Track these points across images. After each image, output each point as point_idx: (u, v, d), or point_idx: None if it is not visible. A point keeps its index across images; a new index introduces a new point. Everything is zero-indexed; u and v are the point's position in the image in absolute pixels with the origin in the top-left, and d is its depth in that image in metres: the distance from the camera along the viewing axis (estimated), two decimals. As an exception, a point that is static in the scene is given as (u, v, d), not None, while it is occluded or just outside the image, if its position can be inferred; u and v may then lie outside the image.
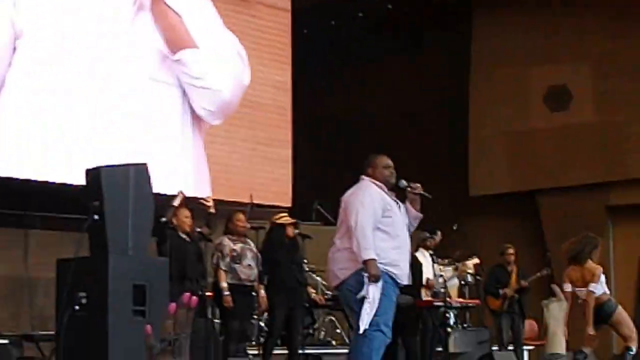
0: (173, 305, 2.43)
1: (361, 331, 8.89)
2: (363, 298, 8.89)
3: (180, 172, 13.91)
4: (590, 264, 12.48)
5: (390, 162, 9.49)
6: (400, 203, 9.46)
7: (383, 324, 9.01)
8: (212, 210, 12.31)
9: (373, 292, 8.89)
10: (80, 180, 10.83)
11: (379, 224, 9.08)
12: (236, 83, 14.19)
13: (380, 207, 9.14)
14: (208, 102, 13.71)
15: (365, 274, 8.89)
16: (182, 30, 13.23)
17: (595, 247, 12.58)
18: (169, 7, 13.05)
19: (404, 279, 9.43)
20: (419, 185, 9.57)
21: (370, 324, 8.88)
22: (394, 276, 9.18)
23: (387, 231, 9.17)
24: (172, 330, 2.44)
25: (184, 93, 13.60)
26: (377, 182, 9.35)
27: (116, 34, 12.98)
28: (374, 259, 8.88)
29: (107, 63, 12.97)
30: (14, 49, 12.43)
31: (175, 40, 13.20)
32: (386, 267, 9.05)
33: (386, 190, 9.35)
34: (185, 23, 13.28)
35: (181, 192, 11.98)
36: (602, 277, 12.63)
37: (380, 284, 8.92)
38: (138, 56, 13.10)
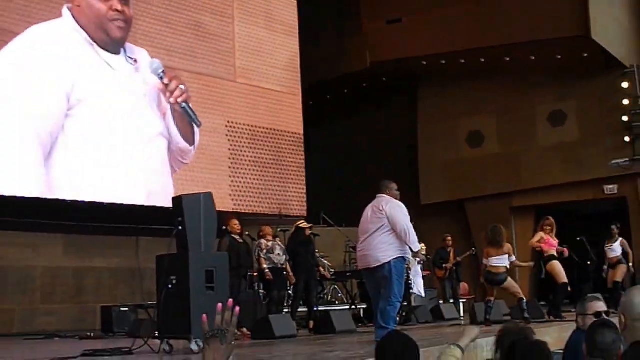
0: (230, 301, 2.51)
1: (424, 295, 9.04)
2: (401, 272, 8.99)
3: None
4: (507, 245, 12.30)
5: (396, 186, 9.40)
6: None
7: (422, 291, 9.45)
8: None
9: (417, 270, 9.03)
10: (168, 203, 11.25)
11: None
12: None
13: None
14: (177, 167, 13.43)
15: (417, 258, 9.28)
16: (191, 130, 12.81)
17: (503, 234, 12.60)
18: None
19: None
20: None
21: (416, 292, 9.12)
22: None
23: None
24: (220, 324, 2.43)
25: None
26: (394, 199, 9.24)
27: (139, 106, 12.62)
28: (420, 250, 9.11)
29: (137, 123, 12.70)
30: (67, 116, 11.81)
31: (188, 136, 12.86)
32: (406, 255, 9.07)
33: None
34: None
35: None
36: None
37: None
38: (150, 119, 12.80)
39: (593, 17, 16.91)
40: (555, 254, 12.82)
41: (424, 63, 19.11)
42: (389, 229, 8.96)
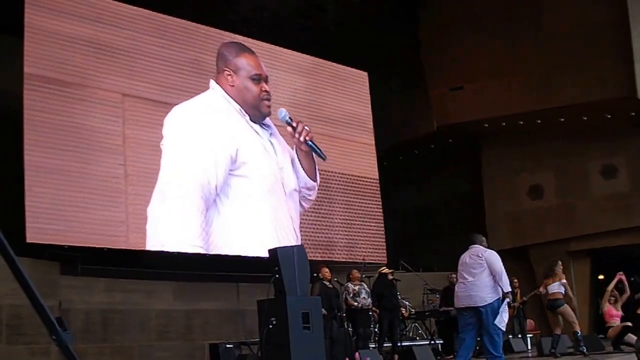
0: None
1: (504, 329, 9.43)
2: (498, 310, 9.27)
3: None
4: (560, 274, 12.72)
5: (484, 238, 9.93)
6: None
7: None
8: None
9: (505, 307, 9.33)
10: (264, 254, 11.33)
11: None
12: None
13: None
14: (306, 205, 13.53)
15: (507, 299, 9.36)
16: (314, 169, 13.02)
17: (558, 266, 12.84)
18: (312, 156, 12.95)
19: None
20: None
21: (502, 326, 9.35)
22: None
23: None
24: None
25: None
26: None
27: (278, 167, 12.66)
28: (510, 291, 9.55)
29: (283, 182, 12.83)
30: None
31: (311, 173, 13.03)
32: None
33: None
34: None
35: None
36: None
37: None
38: (287, 177, 12.98)
39: (639, 78, 16.60)
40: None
41: (486, 125, 18.98)
42: (489, 273, 9.35)
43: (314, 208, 14.43)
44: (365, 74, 17.25)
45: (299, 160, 12.67)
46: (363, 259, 14.70)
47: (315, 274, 11.15)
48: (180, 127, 12.11)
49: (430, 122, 19.23)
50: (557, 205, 19.09)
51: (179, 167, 11.81)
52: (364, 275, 12.89)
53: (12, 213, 10.73)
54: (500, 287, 9.26)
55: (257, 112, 12.49)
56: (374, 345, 12.70)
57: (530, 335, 16.16)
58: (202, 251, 11.85)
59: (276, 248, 9.22)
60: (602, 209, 18.27)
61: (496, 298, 9.23)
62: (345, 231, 15.40)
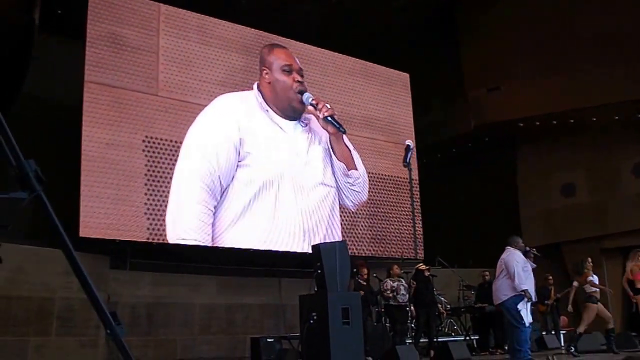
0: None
1: (527, 325, 9.65)
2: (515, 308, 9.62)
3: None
4: (586, 273, 12.71)
5: (520, 240, 10.18)
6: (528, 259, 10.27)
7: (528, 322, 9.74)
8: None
9: (526, 304, 9.63)
10: (307, 249, 11.27)
11: (521, 271, 9.69)
12: (367, 191, 14.16)
13: (521, 264, 9.80)
14: (354, 199, 13.66)
15: (525, 297, 9.63)
16: (351, 158, 13.18)
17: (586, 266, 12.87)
18: (345, 144, 13.06)
19: (534, 297, 10.09)
20: (534, 249, 10.87)
21: (526, 322, 9.61)
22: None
23: (524, 274, 9.76)
24: None
25: (336, 190, 13.53)
26: (518, 251, 9.99)
27: (300, 161, 12.94)
28: (527, 289, 9.62)
29: (299, 177, 12.95)
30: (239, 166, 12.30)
31: (348, 162, 13.17)
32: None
33: (522, 254, 10.06)
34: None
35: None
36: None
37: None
38: (312, 171, 13.07)
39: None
40: None
41: (521, 125, 18.78)
42: (505, 273, 9.79)
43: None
44: (407, 75, 17.18)
45: (332, 148, 12.81)
46: (401, 255, 14.57)
47: (353, 270, 11.00)
48: (199, 123, 12.43)
49: (468, 122, 19.11)
50: (589, 203, 18.77)
51: (189, 158, 12.09)
52: (402, 271, 12.74)
53: (64, 207, 10.77)
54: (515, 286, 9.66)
55: (289, 106, 12.69)
56: (410, 341, 12.56)
57: (564, 331, 15.85)
58: (198, 243, 11.88)
59: (319, 244, 9.13)
60: (634, 207, 17.87)
61: (511, 296, 9.59)
62: (384, 228, 15.26)
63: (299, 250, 12.75)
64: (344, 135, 12.94)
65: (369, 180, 14.83)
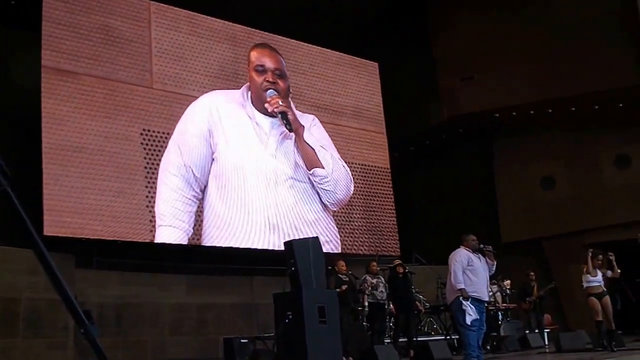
0: None
1: (468, 323, 9.33)
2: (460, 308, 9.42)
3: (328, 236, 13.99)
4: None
5: (474, 237, 9.89)
6: (481, 257, 9.81)
7: (472, 324, 9.38)
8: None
9: (466, 304, 9.33)
10: (276, 244, 11.26)
11: (465, 270, 9.52)
12: (346, 189, 14.10)
13: (465, 261, 9.57)
14: (328, 198, 13.64)
15: (461, 297, 9.41)
16: (314, 157, 13.16)
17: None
18: (307, 144, 13.07)
19: (484, 297, 9.78)
20: (490, 246, 10.03)
21: (468, 323, 9.33)
22: (476, 296, 9.47)
23: (471, 273, 9.53)
24: None
25: (313, 187, 13.55)
26: (467, 248, 9.75)
27: (267, 154, 13.07)
28: (463, 288, 9.40)
29: (266, 172, 13.03)
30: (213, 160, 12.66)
31: (311, 161, 13.18)
32: (471, 292, 9.41)
33: (472, 252, 9.73)
34: (317, 153, 13.25)
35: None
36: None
37: (469, 300, 9.36)
38: (281, 166, 13.10)
39: (651, 66, 16.34)
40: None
41: (497, 115, 18.77)
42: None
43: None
44: (376, 64, 17.23)
45: (296, 148, 13.11)
46: (377, 252, 14.55)
47: (329, 267, 10.98)
48: (184, 116, 12.91)
49: (441, 113, 19.05)
50: (570, 196, 18.70)
51: (167, 149, 12.51)
52: (378, 269, 12.73)
53: (29, 206, 10.61)
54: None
55: (262, 104, 13.01)
56: (389, 340, 12.54)
57: (548, 330, 15.89)
58: (173, 229, 12.15)
59: (291, 240, 9.13)
60: (616, 201, 17.79)
61: (454, 297, 9.49)
62: (358, 223, 15.27)
63: (267, 246, 12.76)
64: (311, 135, 13.27)
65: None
